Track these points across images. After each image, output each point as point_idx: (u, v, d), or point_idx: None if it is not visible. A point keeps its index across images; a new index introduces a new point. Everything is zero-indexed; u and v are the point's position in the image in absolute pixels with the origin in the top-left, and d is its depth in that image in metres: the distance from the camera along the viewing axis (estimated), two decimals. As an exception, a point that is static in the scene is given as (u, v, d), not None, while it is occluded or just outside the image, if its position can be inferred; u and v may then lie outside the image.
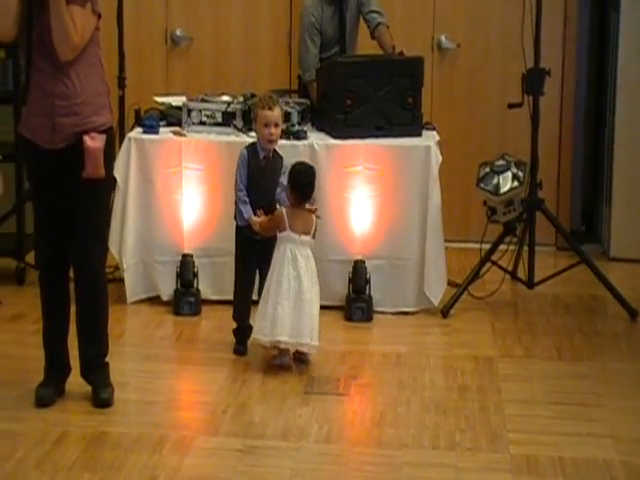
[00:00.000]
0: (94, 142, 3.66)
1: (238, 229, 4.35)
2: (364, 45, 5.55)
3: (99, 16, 3.70)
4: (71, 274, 3.86)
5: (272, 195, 4.29)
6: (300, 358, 4.21)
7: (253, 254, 4.31)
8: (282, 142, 4.88)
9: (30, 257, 5.05)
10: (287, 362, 4.17)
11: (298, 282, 4.09)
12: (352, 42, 5.47)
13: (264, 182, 4.28)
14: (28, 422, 3.70)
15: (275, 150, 4.37)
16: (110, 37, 5.07)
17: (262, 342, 4.15)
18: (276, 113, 4.29)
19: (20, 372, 4.10)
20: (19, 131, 3.79)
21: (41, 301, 3.91)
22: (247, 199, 4.24)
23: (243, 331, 4.36)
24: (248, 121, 5.00)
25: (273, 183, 4.29)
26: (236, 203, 4.31)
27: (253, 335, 4.21)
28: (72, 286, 3.87)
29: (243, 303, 4.36)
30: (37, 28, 3.60)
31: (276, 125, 4.28)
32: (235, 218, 4.37)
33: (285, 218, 4.11)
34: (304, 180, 4.17)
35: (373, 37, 5.41)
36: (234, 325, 4.41)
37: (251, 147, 4.31)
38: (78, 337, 3.87)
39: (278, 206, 4.26)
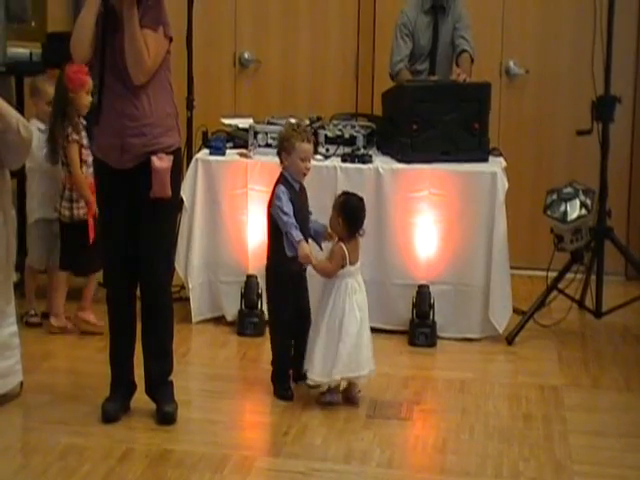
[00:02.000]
0: (162, 162, 3.74)
1: (278, 264, 4.09)
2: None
3: (170, 40, 3.79)
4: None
5: (307, 226, 4.15)
6: (349, 398, 4.08)
7: (294, 291, 4.12)
8: (347, 165, 4.96)
9: (99, 275, 5.13)
10: (336, 400, 4.06)
11: (360, 314, 4.03)
12: (445, 59, 5.47)
13: (303, 214, 4.12)
14: (94, 437, 3.77)
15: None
16: (179, 59, 5.18)
17: (321, 383, 4.04)
18: (312, 146, 4.18)
19: (87, 388, 4.19)
20: (93, 152, 3.88)
21: (108, 319, 4.00)
22: (296, 224, 4.03)
23: (287, 376, 4.18)
24: (314, 144, 5.07)
25: (307, 214, 4.18)
26: (285, 234, 4.03)
27: (312, 378, 4.02)
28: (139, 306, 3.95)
29: (289, 350, 4.16)
30: (110, 50, 3.69)
31: (310, 159, 4.18)
32: (271, 254, 4.11)
33: (346, 254, 4.03)
34: (361, 212, 4.08)
35: (456, 62, 5.44)
36: (273, 368, 4.21)
37: (284, 181, 4.11)
38: (144, 353, 3.93)
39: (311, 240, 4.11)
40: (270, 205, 4.13)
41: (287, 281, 4.10)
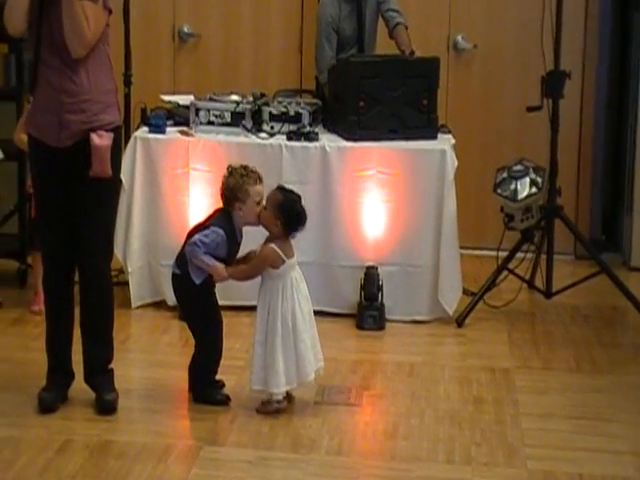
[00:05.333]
0: (102, 140, 3.70)
1: (192, 290, 3.91)
2: (383, 45, 5.56)
3: (110, 12, 3.74)
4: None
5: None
6: (288, 396, 3.96)
7: (214, 305, 4.00)
8: (293, 144, 4.94)
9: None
10: (284, 406, 3.91)
11: (308, 304, 3.94)
12: (371, 42, 5.49)
13: (235, 255, 3.94)
14: (31, 429, 3.72)
15: None
16: (116, 33, 5.03)
17: (282, 393, 3.88)
18: (263, 186, 3.93)
19: (22, 377, 4.12)
20: (26, 130, 3.82)
21: (45, 304, 3.96)
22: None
23: (219, 386, 4.04)
24: (258, 121, 5.04)
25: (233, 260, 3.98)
26: (189, 260, 3.86)
27: (271, 391, 3.85)
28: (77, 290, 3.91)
29: (219, 355, 4.01)
30: (47, 23, 3.63)
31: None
32: (178, 276, 3.94)
33: (281, 253, 3.84)
34: (303, 218, 3.87)
35: (391, 37, 5.43)
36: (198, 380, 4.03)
37: (226, 225, 3.87)
38: (82, 340, 3.89)
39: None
40: (191, 232, 3.90)
41: (206, 301, 3.98)
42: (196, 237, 3.88)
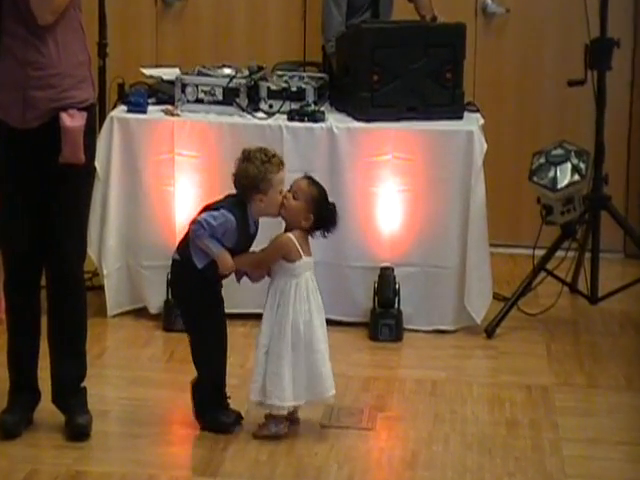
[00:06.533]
0: (73, 121, 3.70)
1: (193, 277, 3.92)
2: (400, 10, 5.56)
3: (81, -28, 3.76)
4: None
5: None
6: (292, 418, 3.98)
7: (219, 302, 4.01)
8: (295, 125, 4.95)
9: None
10: (283, 430, 3.91)
11: (320, 319, 3.95)
12: (387, 6, 5.50)
13: (245, 249, 3.95)
14: (-10, 457, 3.74)
15: None
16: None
17: (286, 408, 3.89)
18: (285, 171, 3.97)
19: (-21, 397, 4.15)
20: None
21: (6, 312, 3.94)
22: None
23: (223, 398, 4.02)
24: (254, 99, 5.04)
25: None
26: (192, 240, 3.88)
27: (271, 402, 3.85)
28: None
29: (224, 367, 4.00)
30: (9, -14, 3.64)
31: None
32: (178, 262, 3.96)
33: (297, 243, 3.89)
34: (336, 223, 3.95)
35: (410, 0, 5.44)
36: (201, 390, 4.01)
37: (240, 213, 3.88)
38: (50, 354, 3.89)
39: None
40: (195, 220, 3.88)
41: (205, 292, 3.97)
42: (203, 215, 3.88)
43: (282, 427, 3.92)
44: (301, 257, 3.90)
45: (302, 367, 3.88)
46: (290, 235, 3.91)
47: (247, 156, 3.92)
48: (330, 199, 3.98)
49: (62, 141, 3.69)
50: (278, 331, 3.88)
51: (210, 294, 3.99)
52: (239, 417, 3.99)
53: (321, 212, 3.93)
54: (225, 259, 3.88)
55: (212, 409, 3.98)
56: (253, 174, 3.88)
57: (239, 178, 3.92)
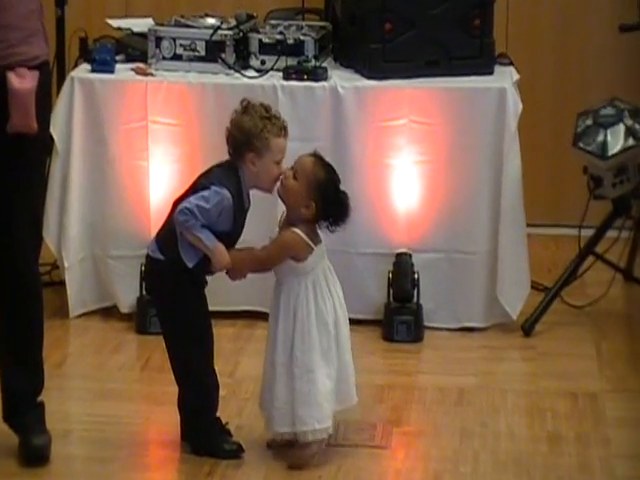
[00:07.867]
0: (23, 82, 3.69)
1: (182, 280, 3.91)
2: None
3: None
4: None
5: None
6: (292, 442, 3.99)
7: (203, 299, 4.00)
8: (292, 84, 4.94)
9: None
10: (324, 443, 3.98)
11: (341, 307, 3.97)
12: None
13: (241, 229, 3.97)
14: None
15: None
16: None
17: (328, 428, 3.93)
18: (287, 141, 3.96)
19: None
20: None
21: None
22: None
23: (222, 428, 4.02)
24: (243, 54, 5.02)
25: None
26: (181, 234, 3.84)
27: (312, 428, 3.85)
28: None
29: (217, 393, 4.00)
30: None
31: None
32: (160, 262, 3.92)
33: (306, 238, 3.89)
34: (346, 201, 3.93)
35: None
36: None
37: (234, 185, 3.87)
38: (0, 365, 3.88)
39: None
40: (179, 201, 3.87)
41: (193, 293, 3.97)
42: (191, 200, 3.82)
43: (323, 442, 3.93)
44: (312, 250, 3.89)
45: (333, 374, 3.90)
46: (296, 230, 3.89)
47: (245, 106, 3.93)
48: (341, 190, 3.92)
49: (10, 106, 3.68)
50: (302, 342, 3.87)
51: (194, 291, 3.97)
52: (240, 449, 3.95)
53: (326, 201, 3.88)
54: (221, 254, 3.85)
55: (208, 432, 3.96)
56: (247, 127, 3.87)
57: (231, 131, 3.91)
